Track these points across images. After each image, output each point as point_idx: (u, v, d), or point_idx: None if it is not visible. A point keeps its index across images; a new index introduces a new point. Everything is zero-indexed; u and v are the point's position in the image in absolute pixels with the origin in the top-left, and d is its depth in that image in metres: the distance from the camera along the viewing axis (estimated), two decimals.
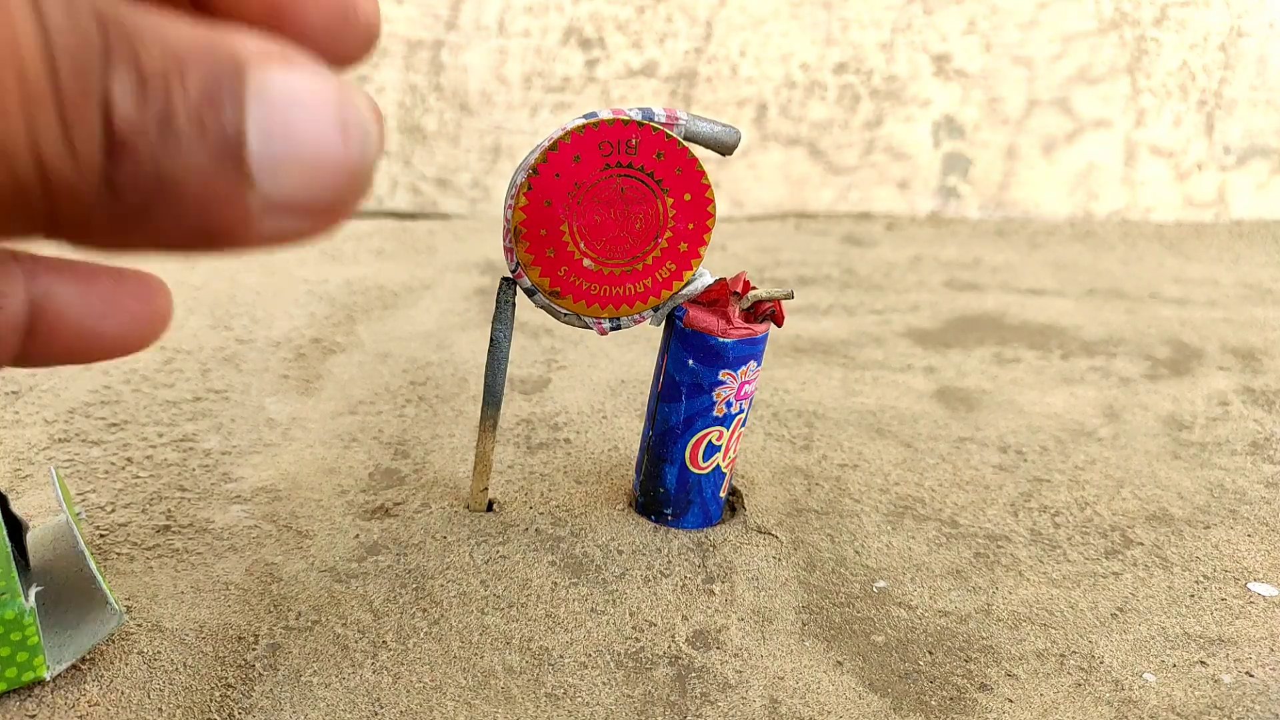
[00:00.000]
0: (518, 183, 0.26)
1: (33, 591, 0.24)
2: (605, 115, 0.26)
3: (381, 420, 0.39)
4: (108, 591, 0.26)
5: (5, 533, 0.25)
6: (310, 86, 0.16)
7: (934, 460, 0.38)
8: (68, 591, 0.26)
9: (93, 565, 0.25)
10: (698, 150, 0.27)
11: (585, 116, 0.26)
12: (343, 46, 0.20)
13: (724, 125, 0.28)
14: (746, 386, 0.30)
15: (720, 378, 0.29)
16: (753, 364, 0.30)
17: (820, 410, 0.42)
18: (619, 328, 0.29)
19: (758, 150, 0.72)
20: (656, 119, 0.26)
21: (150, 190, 0.14)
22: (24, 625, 0.23)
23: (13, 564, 0.24)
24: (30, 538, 0.28)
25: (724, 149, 0.28)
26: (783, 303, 0.30)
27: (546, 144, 0.26)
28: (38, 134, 0.13)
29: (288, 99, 0.16)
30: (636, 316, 0.29)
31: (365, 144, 0.16)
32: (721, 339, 0.29)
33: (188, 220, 0.15)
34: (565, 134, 0.26)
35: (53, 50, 0.13)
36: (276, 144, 0.15)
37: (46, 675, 0.24)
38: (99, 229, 0.14)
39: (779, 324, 0.30)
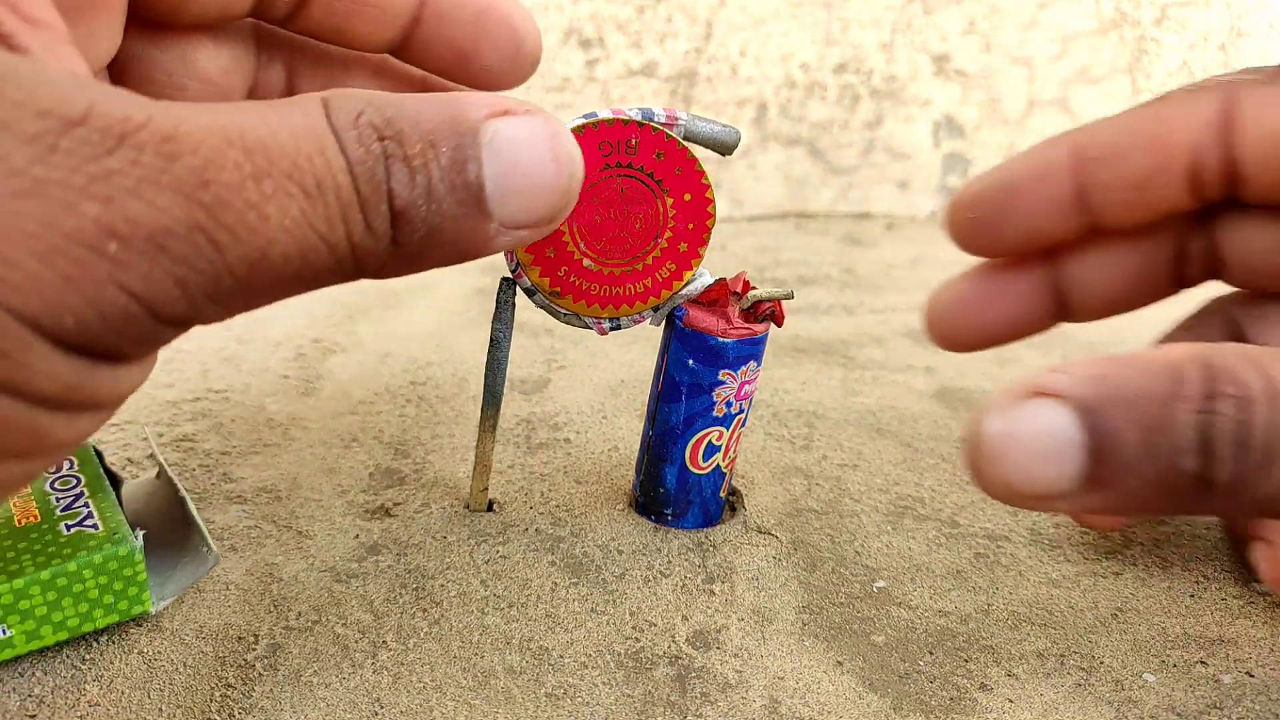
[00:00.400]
0: None
1: (140, 533, 0.26)
2: (605, 115, 0.26)
3: (381, 420, 0.39)
4: (207, 534, 0.29)
5: (110, 483, 0.29)
6: (528, 130, 0.21)
7: (934, 460, 0.38)
8: (162, 538, 0.29)
9: (193, 509, 0.29)
10: (698, 150, 0.27)
11: (585, 116, 0.26)
12: (515, 75, 0.27)
13: (724, 125, 0.28)
14: (747, 386, 0.30)
15: (720, 378, 0.29)
16: (753, 364, 0.30)
17: (820, 410, 0.42)
18: (619, 327, 0.29)
19: (758, 150, 0.72)
20: (656, 119, 0.26)
21: (421, 241, 0.20)
22: (135, 563, 0.26)
23: (120, 509, 0.27)
24: (124, 491, 0.30)
25: (724, 149, 0.28)
26: (783, 303, 0.30)
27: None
28: (350, 229, 0.19)
29: (512, 145, 0.21)
30: (636, 316, 0.29)
31: (572, 168, 0.22)
32: (721, 339, 0.29)
33: (446, 251, 0.21)
34: (580, 125, 0.26)
35: (354, 172, 0.18)
36: (506, 182, 0.20)
37: (152, 609, 0.27)
38: (388, 271, 0.20)
39: (779, 324, 0.30)
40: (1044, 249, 0.31)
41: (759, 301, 0.29)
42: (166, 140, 0.16)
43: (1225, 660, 0.27)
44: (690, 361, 0.29)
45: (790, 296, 0.29)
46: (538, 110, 0.22)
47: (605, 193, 0.27)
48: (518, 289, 0.28)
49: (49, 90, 0.15)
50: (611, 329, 0.29)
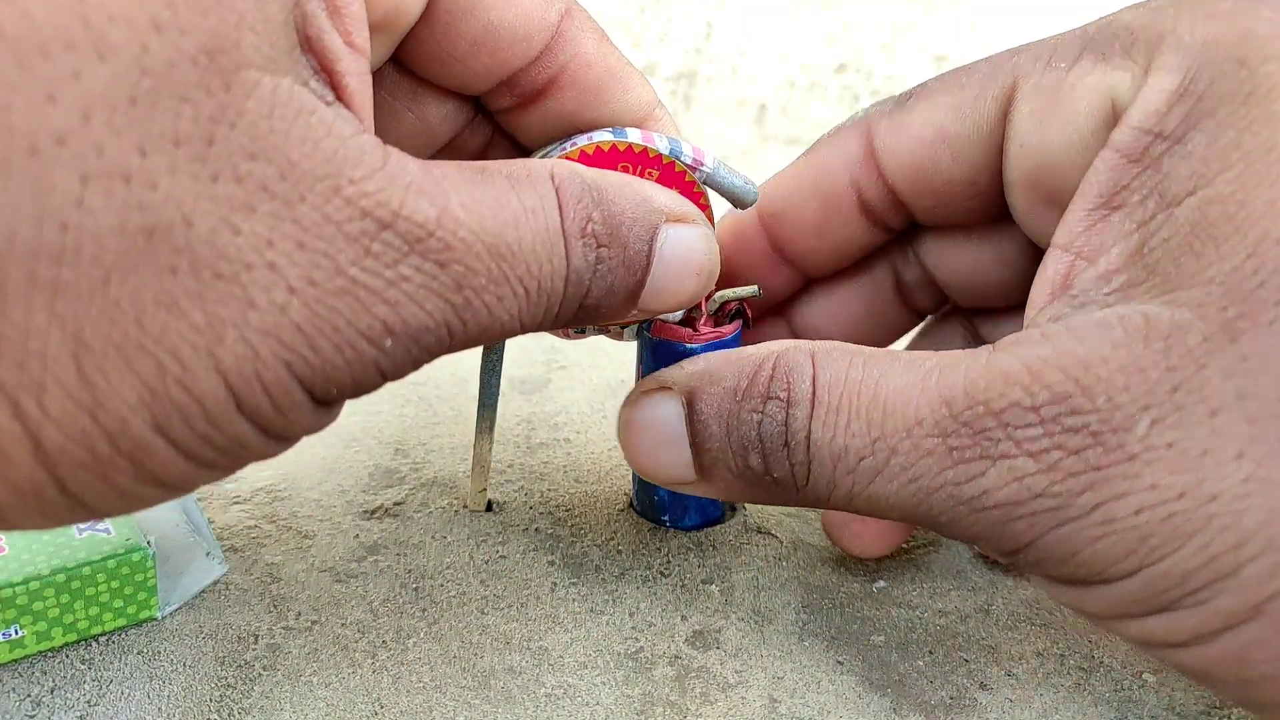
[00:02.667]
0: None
1: (152, 539, 0.27)
2: (635, 139, 0.25)
3: (381, 420, 0.39)
4: (214, 542, 0.29)
5: None
6: (689, 243, 0.24)
7: None
8: (168, 545, 0.29)
9: (201, 516, 0.30)
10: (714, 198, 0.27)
11: (614, 132, 0.26)
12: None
13: (746, 181, 0.27)
14: None
15: None
16: None
17: None
18: (583, 334, 0.29)
19: (758, 150, 0.72)
20: (683, 157, 0.26)
21: (580, 320, 0.23)
22: (146, 568, 0.26)
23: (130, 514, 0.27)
24: None
25: (741, 204, 0.28)
26: (750, 301, 0.29)
27: (570, 147, 0.26)
28: (544, 319, 0.21)
29: (674, 253, 0.24)
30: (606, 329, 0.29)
31: (708, 282, 0.25)
32: (689, 344, 0.29)
33: (587, 325, 0.24)
34: (590, 144, 0.25)
35: (569, 278, 0.21)
36: (658, 284, 0.24)
37: (159, 615, 0.27)
38: (536, 331, 0.22)
39: (749, 324, 0.30)
40: (770, 309, 0.32)
41: (725, 302, 0.29)
42: (444, 249, 0.19)
43: None
44: (661, 367, 0.29)
45: (757, 295, 0.29)
46: (703, 222, 0.25)
47: None
48: None
49: (373, 187, 0.18)
50: (577, 335, 0.29)
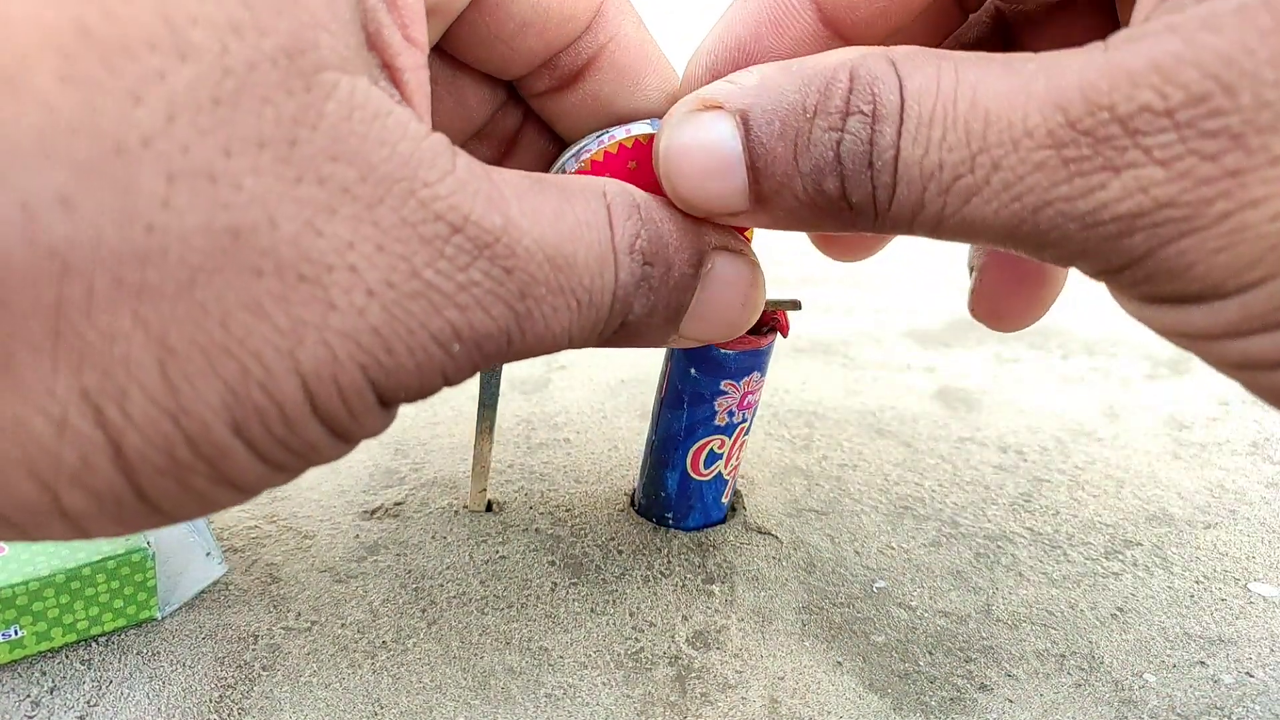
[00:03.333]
0: (568, 168, 0.26)
1: (151, 540, 0.27)
2: (642, 131, 0.25)
3: None
4: (215, 543, 0.29)
5: None
6: (735, 273, 0.24)
7: (934, 460, 0.38)
8: (167, 545, 0.29)
9: (204, 520, 0.30)
10: None
11: (650, 124, 0.26)
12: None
13: None
14: (750, 397, 0.30)
15: (722, 388, 0.29)
16: (756, 374, 0.30)
17: (820, 410, 0.42)
18: None
19: None
20: None
21: (623, 338, 0.23)
22: (146, 568, 0.26)
23: None
24: None
25: None
26: (789, 313, 0.29)
27: (608, 140, 0.25)
28: (591, 332, 0.21)
29: (720, 282, 0.23)
30: None
31: (753, 314, 0.24)
32: (723, 350, 0.29)
33: (633, 344, 0.24)
34: (629, 138, 0.25)
35: (617, 294, 0.21)
36: (701, 309, 0.23)
37: (158, 615, 0.27)
38: (581, 347, 0.22)
39: (784, 334, 0.30)
40: None
41: (765, 312, 0.29)
42: (510, 255, 0.19)
43: (1225, 660, 0.27)
44: (693, 370, 0.29)
45: (797, 306, 0.29)
46: (749, 252, 0.24)
47: None
48: None
49: (445, 190, 0.18)
50: None
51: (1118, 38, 0.19)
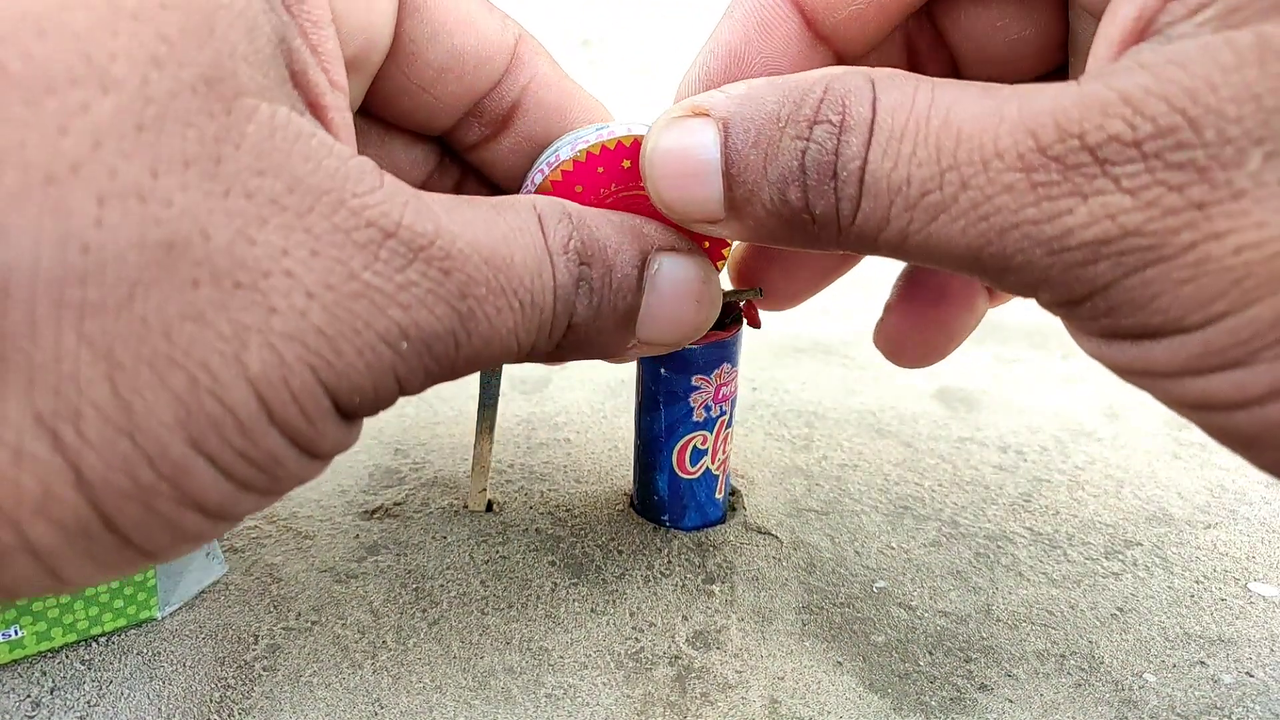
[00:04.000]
0: (561, 156, 0.26)
1: None
2: (620, 131, 0.25)
3: (381, 420, 0.39)
4: (215, 543, 0.29)
5: None
6: (685, 271, 0.24)
7: (934, 460, 0.38)
8: None
9: None
10: None
11: (596, 129, 0.25)
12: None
13: None
14: (724, 389, 0.30)
15: (694, 383, 0.29)
16: (726, 366, 0.30)
17: (820, 410, 0.42)
18: None
19: None
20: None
21: (576, 345, 0.23)
22: (147, 568, 0.26)
23: None
24: None
25: None
26: (755, 301, 0.29)
27: (606, 136, 0.25)
28: (538, 337, 0.22)
29: (669, 281, 0.24)
30: None
31: (712, 310, 0.25)
32: (689, 345, 0.29)
33: (590, 354, 0.24)
34: (582, 151, 0.25)
35: (558, 294, 0.22)
36: (655, 311, 0.24)
37: (158, 615, 0.27)
38: (542, 361, 0.23)
39: (754, 324, 0.30)
40: None
41: (728, 303, 0.29)
42: (445, 257, 0.19)
43: (1225, 660, 0.27)
44: (662, 370, 0.29)
45: (758, 294, 0.29)
46: (698, 252, 0.25)
47: (628, 203, 0.26)
48: None
49: (374, 200, 0.19)
50: None
51: (1093, 72, 0.19)
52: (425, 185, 0.27)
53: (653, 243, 0.24)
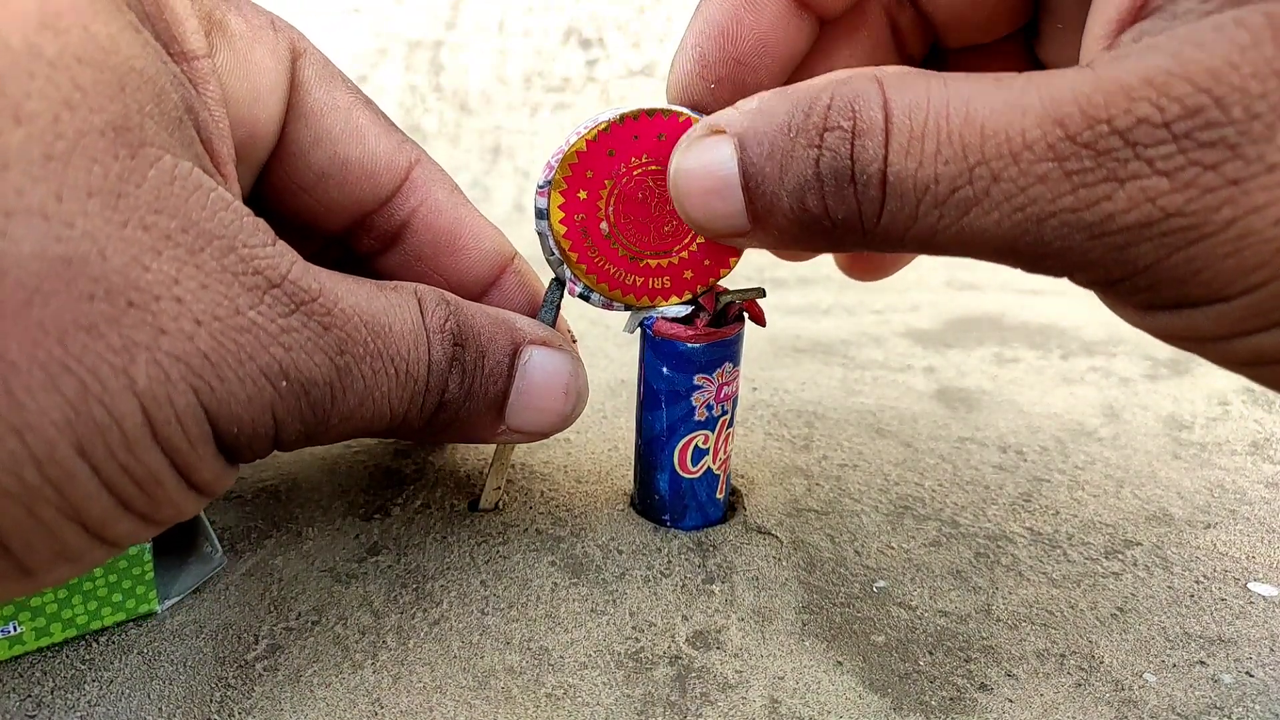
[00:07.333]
0: (587, 125, 0.26)
1: None
2: (635, 109, 0.26)
3: None
4: (213, 535, 0.29)
5: None
6: (554, 365, 0.26)
7: (934, 460, 0.38)
8: (167, 539, 0.29)
9: (201, 513, 0.30)
10: None
11: (627, 111, 0.26)
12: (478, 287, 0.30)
13: None
14: (726, 389, 0.30)
15: (696, 382, 0.29)
16: (728, 365, 0.30)
17: (820, 410, 0.42)
18: (586, 297, 0.29)
19: None
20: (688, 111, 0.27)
21: (445, 423, 0.25)
22: (144, 562, 0.26)
23: None
24: None
25: None
26: (759, 301, 0.30)
27: (635, 107, 0.26)
28: (410, 408, 0.24)
29: (539, 371, 0.26)
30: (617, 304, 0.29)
31: (579, 403, 0.27)
32: (690, 344, 0.29)
33: (459, 435, 0.26)
34: (652, 110, 0.26)
35: (431, 369, 0.24)
36: (524, 399, 0.26)
37: (158, 609, 0.27)
38: (412, 438, 0.27)
39: (759, 322, 0.30)
40: (785, 67, 0.28)
41: (729, 304, 0.29)
42: (326, 314, 0.21)
43: (1225, 660, 0.27)
44: (664, 369, 0.29)
45: (761, 294, 0.29)
46: (569, 348, 0.27)
47: (640, 188, 0.27)
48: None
49: (264, 254, 0.20)
50: (580, 295, 0.29)
51: (1106, 56, 0.19)
52: None
53: (525, 336, 0.26)
